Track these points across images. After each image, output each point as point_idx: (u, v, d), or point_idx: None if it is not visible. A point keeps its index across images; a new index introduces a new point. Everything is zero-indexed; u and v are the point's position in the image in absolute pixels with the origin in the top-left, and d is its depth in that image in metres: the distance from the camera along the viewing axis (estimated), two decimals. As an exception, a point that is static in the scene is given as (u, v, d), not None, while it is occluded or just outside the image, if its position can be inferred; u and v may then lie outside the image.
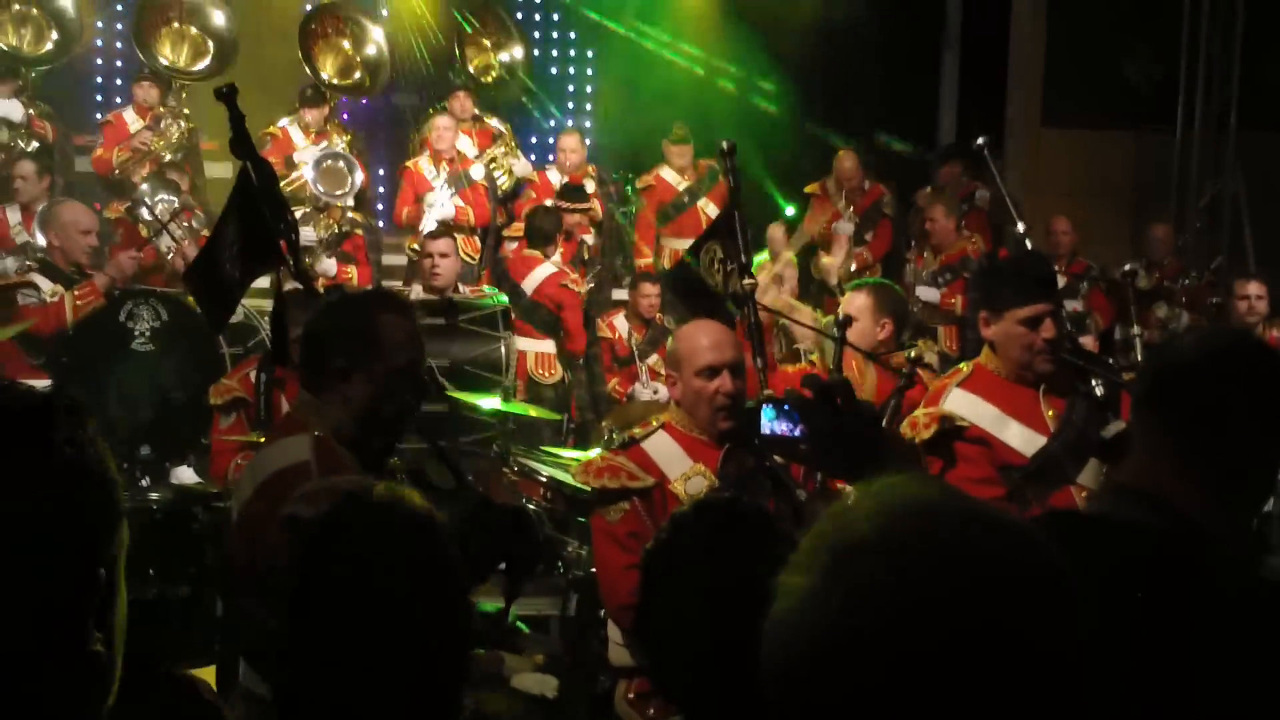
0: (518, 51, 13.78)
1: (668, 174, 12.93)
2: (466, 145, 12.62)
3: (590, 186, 12.35)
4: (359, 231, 11.40)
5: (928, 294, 11.17)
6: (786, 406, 2.67)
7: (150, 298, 9.37)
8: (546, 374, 10.43)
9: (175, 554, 6.86)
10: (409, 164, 12.39)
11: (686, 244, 12.47)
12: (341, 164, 11.26)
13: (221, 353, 9.31)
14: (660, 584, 2.72)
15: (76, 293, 8.86)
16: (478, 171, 12.23)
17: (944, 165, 13.16)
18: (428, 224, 11.62)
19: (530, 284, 10.67)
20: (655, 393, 10.08)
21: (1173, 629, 2.22)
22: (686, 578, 2.68)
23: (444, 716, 2.45)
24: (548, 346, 10.50)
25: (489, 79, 13.65)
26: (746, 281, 5.83)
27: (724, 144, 6.19)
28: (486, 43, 13.75)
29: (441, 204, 11.92)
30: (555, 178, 12.52)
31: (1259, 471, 2.57)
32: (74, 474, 1.46)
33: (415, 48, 14.07)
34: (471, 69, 13.48)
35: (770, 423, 2.88)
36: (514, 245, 11.80)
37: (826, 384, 2.73)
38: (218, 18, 12.68)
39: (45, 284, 9.02)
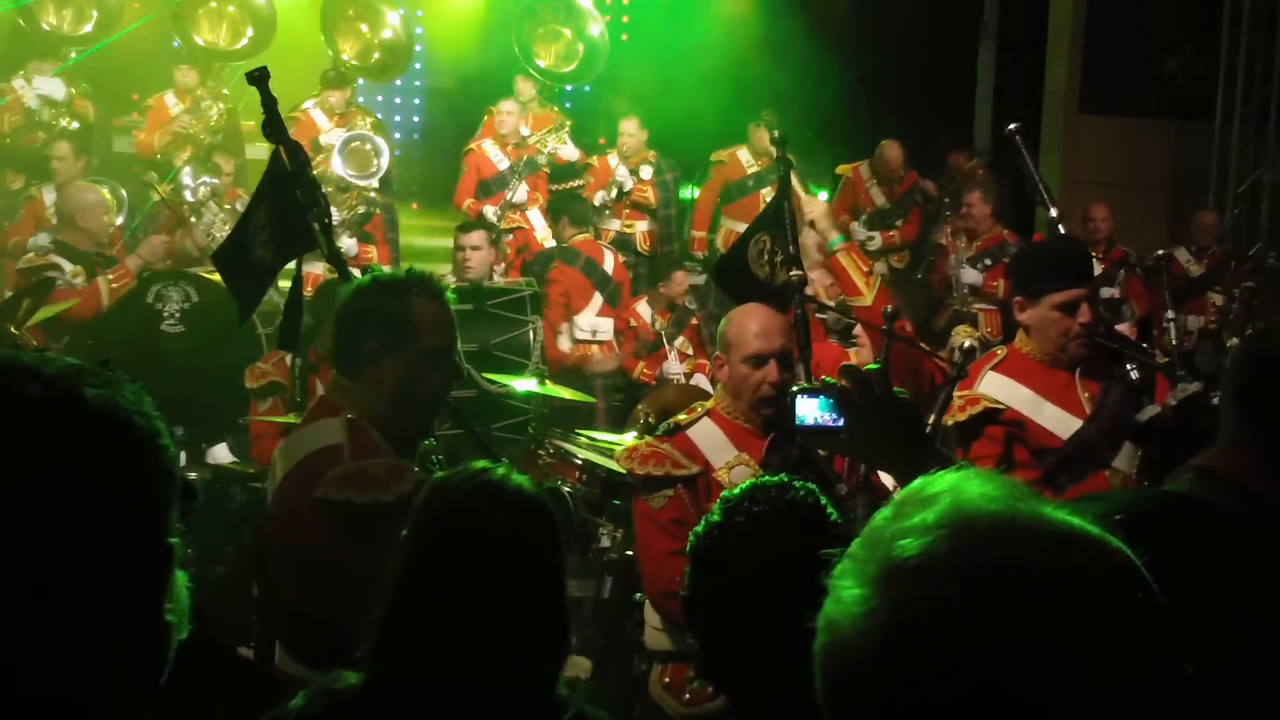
0: (597, 29, 13.74)
1: (743, 155, 12.91)
2: (522, 127, 12.65)
3: (647, 173, 12.34)
4: (377, 211, 11.44)
5: (971, 276, 11.11)
6: (824, 396, 2.66)
7: (180, 279, 9.40)
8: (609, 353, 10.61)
9: (212, 534, 6.90)
10: (473, 145, 12.39)
11: (742, 226, 12.61)
12: (368, 146, 11.27)
13: (259, 333, 9.33)
14: (710, 568, 2.71)
15: (111, 276, 8.89)
16: (541, 158, 12.29)
17: (951, 153, 13.12)
18: (500, 213, 11.76)
19: (610, 266, 10.76)
20: (682, 375, 10.10)
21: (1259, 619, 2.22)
22: (737, 563, 2.67)
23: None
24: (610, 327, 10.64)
25: (564, 69, 13.64)
26: (795, 273, 5.80)
27: (775, 132, 6.16)
28: (565, 31, 13.72)
29: (515, 193, 11.98)
30: (614, 162, 12.51)
31: None
32: (115, 433, 1.45)
33: (450, 32, 14.09)
34: (544, 61, 13.45)
35: (807, 413, 2.87)
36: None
37: (865, 374, 2.72)
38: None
39: (66, 265, 9.06)
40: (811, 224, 5.83)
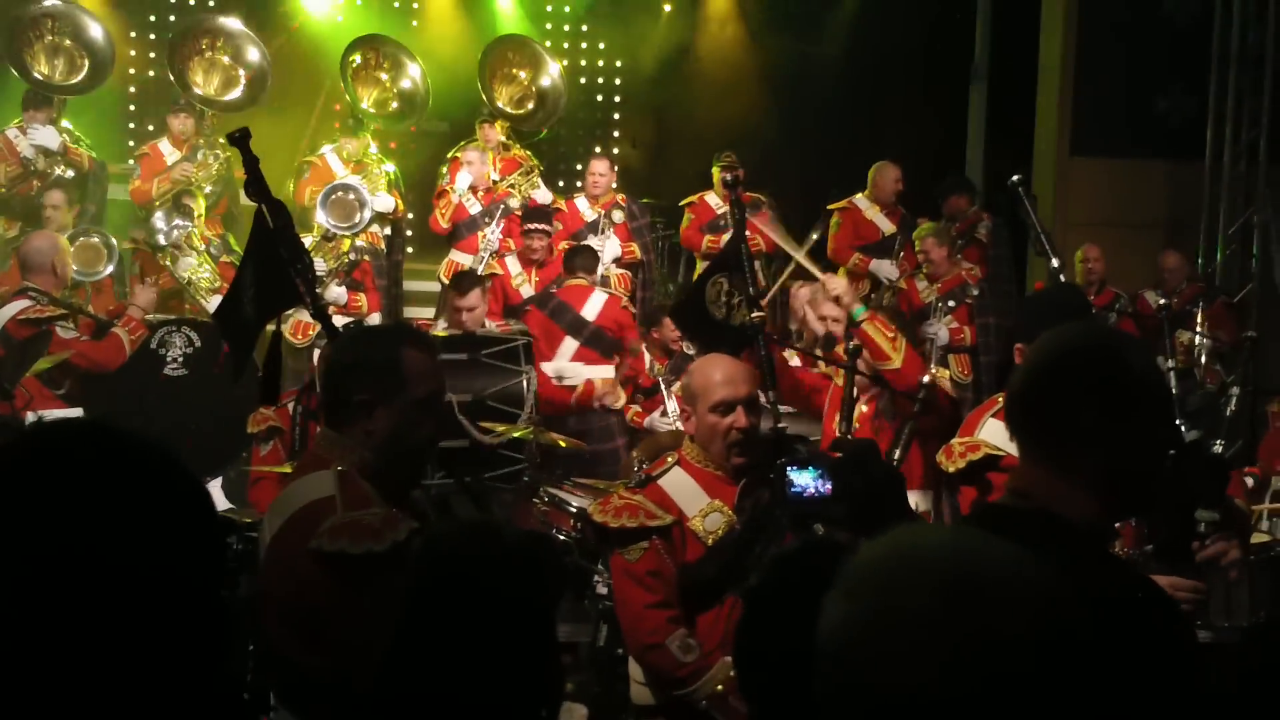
0: (554, 76, 13.80)
1: (711, 198, 12.93)
2: (491, 172, 12.70)
3: (619, 217, 12.34)
4: (365, 258, 11.45)
5: (942, 336, 11.09)
6: (812, 467, 2.66)
7: (183, 325, 9.48)
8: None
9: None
10: (446, 186, 12.51)
11: (720, 264, 12.59)
12: (351, 196, 11.29)
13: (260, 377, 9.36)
14: (768, 628, 2.68)
15: (126, 328, 8.92)
16: (514, 201, 12.32)
17: (950, 197, 13.12)
18: (481, 259, 11.84)
19: (591, 311, 10.69)
20: (674, 424, 10.07)
21: None
22: (797, 621, 2.64)
23: None
24: (608, 372, 10.51)
25: (523, 110, 13.70)
26: (755, 315, 5.81)
27: (728, 175, 6.18)
28: (519, 73, 13.80)
29: (490, 240, 12.01)
30: (584, 205, 12.52)
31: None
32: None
33: (444, 78, 14.17)
34: (501, 103, 13.50)
35: (796, 484, 2.86)
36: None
37: (857, 446, 2.75)
38: (251, 52, 12.83)
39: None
40: (837, 300, 5.82)
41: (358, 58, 13.16)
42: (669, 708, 4.80)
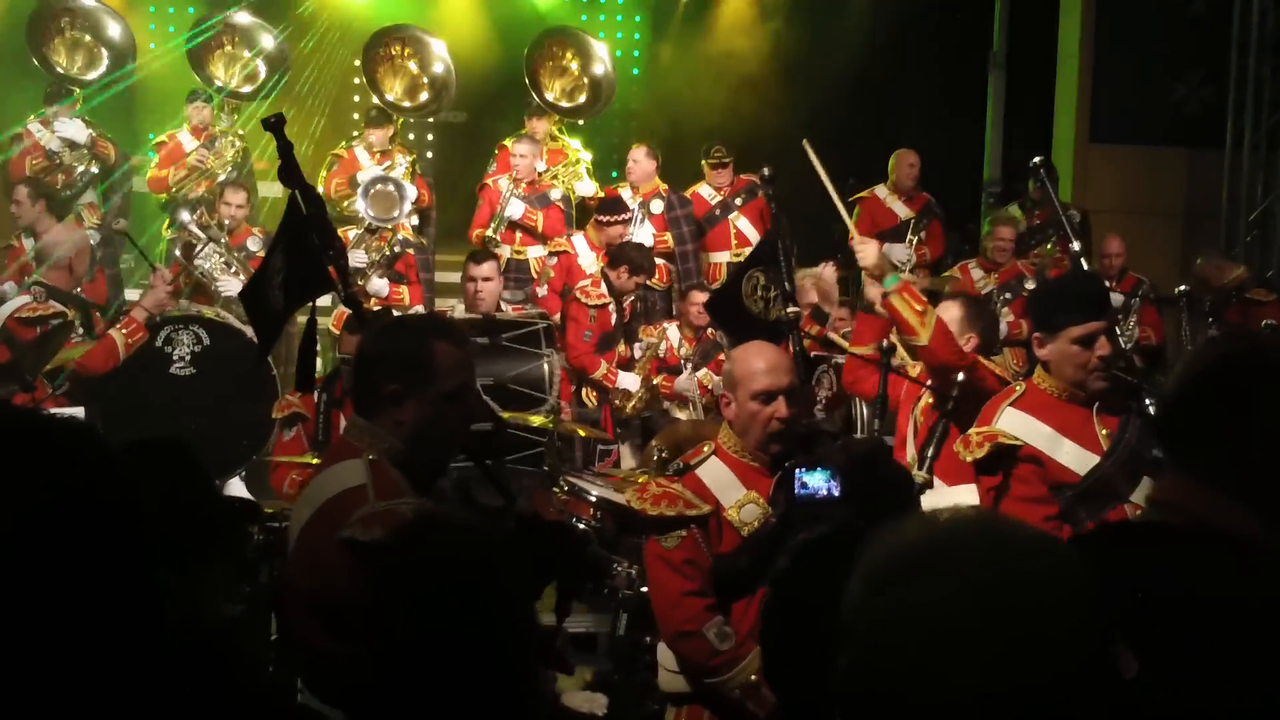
0: (606, 64, 13.82)
1: (704, 190, 12.90)
2: (539, 165, 12.71)
3: (657, 207, 12.34)
4: (410, 250, 11.47)
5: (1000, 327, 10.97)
6: (821, 469, 2.67)
7: (191, 323, 9.45)
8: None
9: (229, 573, 6.90)
10: (488, 181, 12.49)
11: (719, 257, 12.57)
12: (391, 188, 11.31)
13: (273, 373, 9.39)
14: (793, 613, 2.69)
15: (124, 330, 8.90)
16: (555, 193, 12.38)
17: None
18: (500, 225, 11.93)
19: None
20: (695, 394, 10.12)
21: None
22: (823, 606, 2.64)
23: None
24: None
25: (575, 101, 13.71)
26: (790, 309, 5.82)
27: (765, 171, 6.17)
28: (570, 65, 13.81)
29: (514, 206, 12.09)
30: (627, 195, 12.55)
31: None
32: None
33: (462, 67, 14.17)
34: (552, 95, 13.51)
35: (806, 485, 2.87)
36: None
37: (870, 448, 2.75)
38: (266, 40, 12.88)
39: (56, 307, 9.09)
40: (867, 270, 5.81)
41: (383, 49, 13.16)
42: (700, 696, 4.82)
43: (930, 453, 5.45)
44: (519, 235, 12.27)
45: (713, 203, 12.85)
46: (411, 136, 15.25)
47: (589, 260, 11.56)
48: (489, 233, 12.04)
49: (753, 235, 12.36)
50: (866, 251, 5.88)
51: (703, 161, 12.80)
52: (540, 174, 12.55)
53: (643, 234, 12.05)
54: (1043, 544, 1.56)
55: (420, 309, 11.17)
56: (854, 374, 6.54)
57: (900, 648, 1.49)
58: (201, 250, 10.74)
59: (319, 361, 8.79)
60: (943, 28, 14.86)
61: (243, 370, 9.09)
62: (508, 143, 12.74)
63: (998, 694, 1.45)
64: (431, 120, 14.62)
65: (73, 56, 12.75)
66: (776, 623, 2.71)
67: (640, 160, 12.50)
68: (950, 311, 6.33)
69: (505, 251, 11.73)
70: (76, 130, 12.07)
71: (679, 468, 5.06)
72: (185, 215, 11.06)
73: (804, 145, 6.33)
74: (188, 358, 9.41)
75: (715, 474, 4.87)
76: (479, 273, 9.51)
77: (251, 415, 8.53)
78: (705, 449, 5.01)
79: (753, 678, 4.60)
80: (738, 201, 12.77)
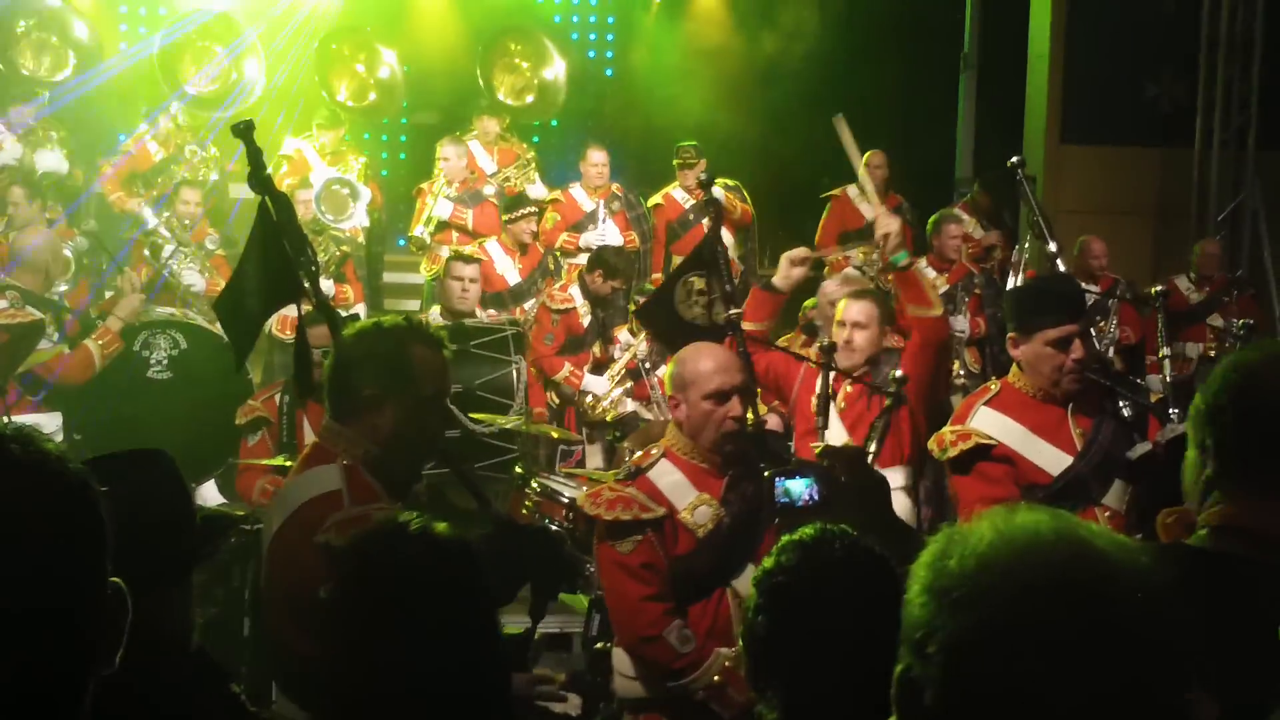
0: (559, 69, 13.78)
1: (677, 193, 12.89)
2: (487, 163, 12.68)
3: (617, 206, 12.33)
4: (345, 248, 11.47)
5: (960, 324, 10.97)
6: (801, 476, 2.68)
7: (168, 327, 9.40)
8: None
9: (202, 576, 6.88)
10: (424, 185, 12.42)
11: (695, 261, 12.59)
12: (345, 190, 11.30)
13: (249, 377, 9.36)
14: (791, 615, 2.69)
15: (99, 340, 8.85)
16: (489, 189, 12.29)
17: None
18: (429, 222, 11.90)
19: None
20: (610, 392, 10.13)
21: None
22: (822, 608, 2.64)
23: None
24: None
25: (522, 102, 13.68)
26: (732, 311, 5.80)
27: (702, 175, 6.17)
28: (522, 64, 13.77)
29: (441, 206, 12.01)
30: (580, 195, 12.52)
31: None
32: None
33: (434, 69, 14.16)
34: (502, 93, 13.49)
35: (787, 493, 2.87)
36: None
37: (848, 455, 2.75)
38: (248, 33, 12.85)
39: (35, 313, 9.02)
40: (886, 238, 5.75)
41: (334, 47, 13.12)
42: (658, 702, 4.80)
43: (874, 448, 5.43)
44: (455, 235, 12.17)
45: (686, 206, 12.85)
46: (385, 138, 15.23)
47: (505, 265, 11.52)
48: (413, 233, 11.97)
49: (727, 239, 12.37)
50: (890, 223, 5.80)
51: (674, 161, 12.79)
52: (490, 176, 12.50)
53: (610, 234, 12.04)
54: (1126, 550, 1.52)
55: (363, 307, 11.23)
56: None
57: (989, 669, 1.45)
58: (170, 251, 10.71)
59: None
60: (914, 28, 14.88)
61: (220, 376, 9.01)
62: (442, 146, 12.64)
63: (1102, 708, 1.42)
64: (405, 121, 14.57)
65: (39, 58, 12.67)
66: (770, 625, 2.71)
67: (603, 162, 12.49)
68: (864, 309, 6.35)
69: (444, 252, 11.65)
70: (57, 162, 11.97)
71: (630, 471, 5.01)
72: (150, 217, 11.01)
73: (836, 120, 6.29)
74: (165, 362, 9.36)
75: (667, 477, 4.83)
76: (466, 273, 9.57)
77: (228, 419, 8.46)
78: (655, 451, 4.96)
79: (715, 679, 4.60)
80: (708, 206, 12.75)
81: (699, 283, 6.07)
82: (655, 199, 13.06)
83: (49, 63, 12.75)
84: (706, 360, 4.81)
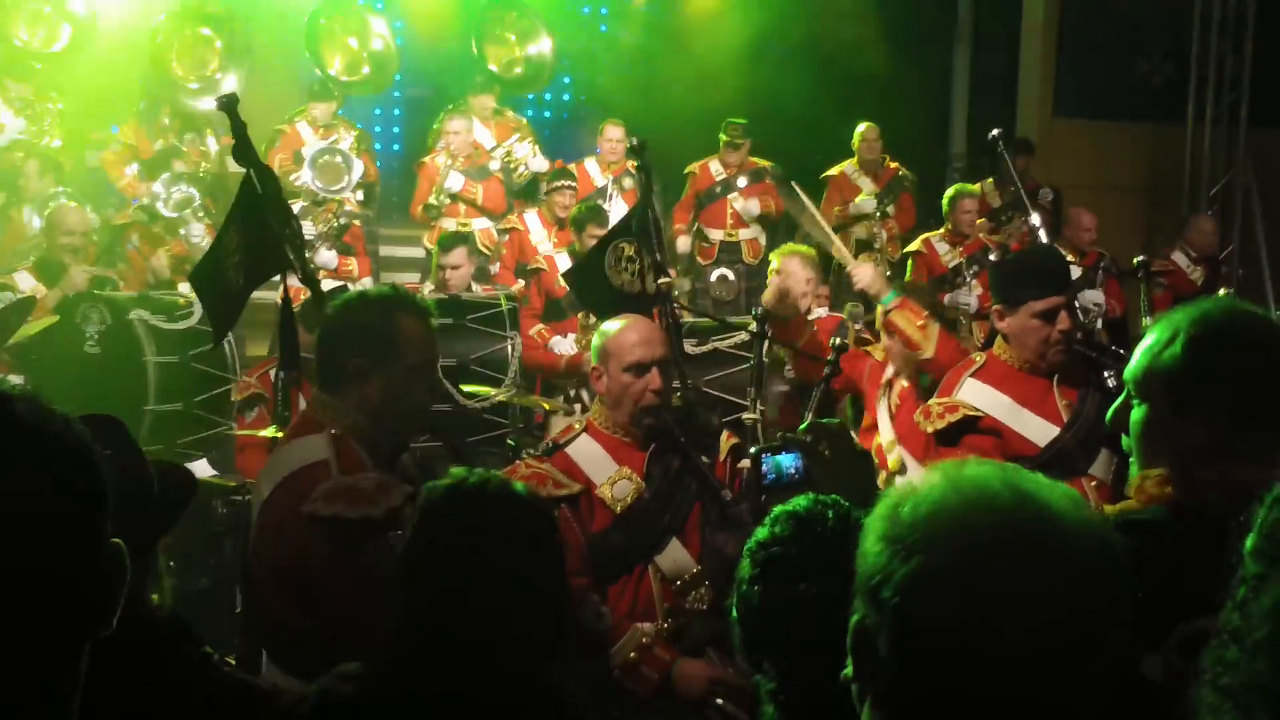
0: (545, 45, 13.76)
1: (714, 165, 13.02)
2: (485, 138, 12.65)
3: (629, 184, 12.32)
4: (356, 222, 11.43)
5: (970, 305, 10.93)
6: (786, 453, 2.70)
7: (98, 301, 9.18)
8: None
9: (193, 547, 6.91)
10: (425, 160, 12.40)
11: (715, 235, 12.65)
12: (339, 159, 11.28)
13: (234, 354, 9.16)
14: (784, 585, 2.70)
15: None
16: (493, 165, 12.29)
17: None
18: (440, 198, 11.85)
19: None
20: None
21: None
22: (816, 576, 2.66)
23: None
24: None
25: (512, 75, 13.65)
26: (662, 280, 5.78)
27: (633, 140, 6.17)
28: (510, 37, 13.74)
29: (453, 179, 12.00)
30: (594, 169, 12.50)
31: None
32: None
33: (427, 42, 14.12)
34: (494, 66, 13.45)
35: (774, 470, 2.89)
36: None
37: (832, 430, 2.77)
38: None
39: (28, 281, 9.05)
40: (863, 292, 5.84)
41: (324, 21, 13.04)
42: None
43: (809, 417, 5.42)
44: (463, 209, 12.17)
45: (717, 179, 12.96)
46: (378, 111, 15.19)
47: (540, 237, 11.50)
48: (431, 200, 11.92)
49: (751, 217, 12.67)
50: (862, 273, 5.85)
51: (720, 136, 12.85)
52: (490, 150, 12.51)
53: (617, 211, 12.03)
54: (1070, 499, 1.57)
55: (369, 280, 11.21)
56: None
57: (942, 608, 1.49)
58: (193, 225, 10.69)
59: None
60: (908, 1, 14.86)
61: (137, 355, 8.85)
62: (443, 121, 12.55)
63: (1052, 649, 1.46)
64: (398, 95, 14.52)
65: (34, 29, 12.61)
66: (765, 595, 2.73)
67: (619, 138, 12.46)
68: (791, 265, 6.48)
69: (450, 225, 11.61)
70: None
71: (548, 447, 4.90)
72: (160, 189, 10.97)
73: (792, 186, 6.39)
74: (96, 336, 9.01)
75: (586, 451, 4.75)
76: (448, 261, 9.58)
77: (143, 401, 8.29)
78: (576, 426, 4.89)
79: (631, 655, 4.52)
80: (740, 182, 12.84)
81: (629, 249, 5.99)
82: (692, 167, 13.17)
83: (44, 35, 12.67)
84: (629, 332, 4.72)
